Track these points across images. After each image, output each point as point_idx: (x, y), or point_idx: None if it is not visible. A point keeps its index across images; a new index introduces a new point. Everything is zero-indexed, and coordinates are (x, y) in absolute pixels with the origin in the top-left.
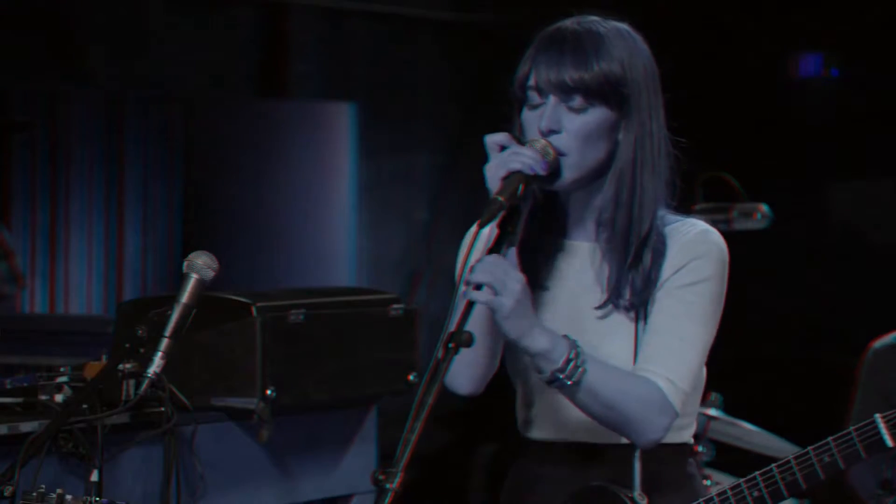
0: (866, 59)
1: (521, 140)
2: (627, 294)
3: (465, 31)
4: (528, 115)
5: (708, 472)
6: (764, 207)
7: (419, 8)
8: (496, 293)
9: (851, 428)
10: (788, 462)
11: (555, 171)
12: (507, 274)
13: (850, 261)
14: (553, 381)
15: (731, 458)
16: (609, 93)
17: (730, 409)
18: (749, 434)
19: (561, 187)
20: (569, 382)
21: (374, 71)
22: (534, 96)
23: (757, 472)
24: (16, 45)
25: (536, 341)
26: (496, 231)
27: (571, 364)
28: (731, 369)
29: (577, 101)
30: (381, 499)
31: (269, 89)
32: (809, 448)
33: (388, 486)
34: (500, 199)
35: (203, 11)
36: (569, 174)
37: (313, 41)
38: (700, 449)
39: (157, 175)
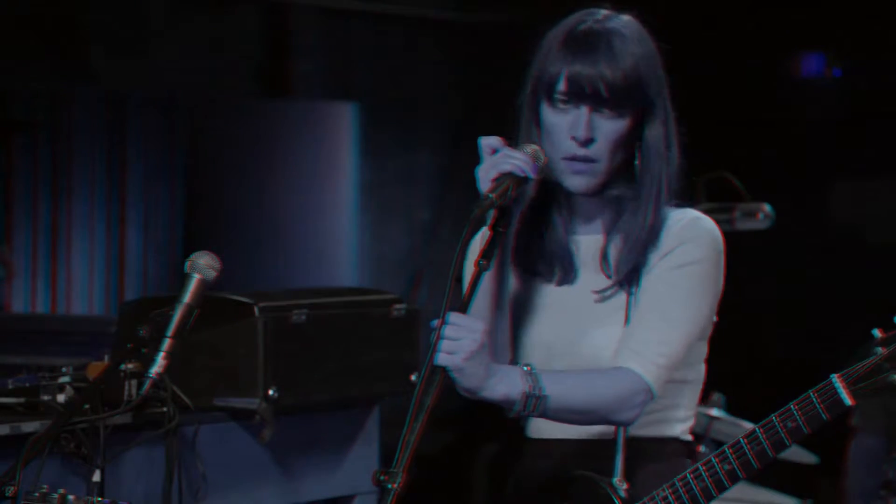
0: (868, 58)
1: (514, 144)
2: (626, 281)
3: (465, 31)
4: (554, 119)
5: None
6: (767, 207)
7: (420, 8)
8: (451, 352)
9: (811, 391)
10: (755, 432)
11: (548, 174)
12: (461, 332)
13: (850, 260)
14: (521, 417)
15: None
16: (638, 99)
17: (732, 409)
18: None
19: (588, 192)
20: (535, 413)
21: (375, 71)
22: (562, 100)
23: (726, 445)
24: (18, 45)
25: (494, 391)
26: (489, 233)
27: (532, 398)
28: (733, 369)
29: (610, 110)
30: (383, 499)
31: (270, 89)
32: (773, 415)
33: (389, 486)
34: (492, 196)
35: (205, 11)
36: (597, 180)
37: (315, 41)
38: (702, 449)
39: (158, 175)
